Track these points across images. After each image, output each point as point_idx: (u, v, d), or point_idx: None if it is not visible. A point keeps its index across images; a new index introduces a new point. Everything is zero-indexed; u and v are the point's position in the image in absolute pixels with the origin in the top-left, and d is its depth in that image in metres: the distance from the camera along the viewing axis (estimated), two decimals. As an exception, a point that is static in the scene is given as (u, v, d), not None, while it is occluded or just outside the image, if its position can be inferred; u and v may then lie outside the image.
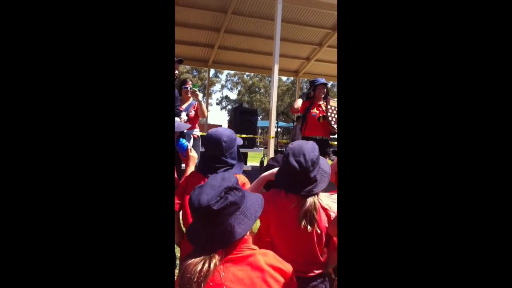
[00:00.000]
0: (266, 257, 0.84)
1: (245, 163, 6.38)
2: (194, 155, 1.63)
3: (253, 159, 9.38)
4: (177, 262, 2.11)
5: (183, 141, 1.71)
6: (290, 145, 1.29)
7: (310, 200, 1.18)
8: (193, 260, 0.79)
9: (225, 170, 1.44)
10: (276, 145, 6.45)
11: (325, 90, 3.68)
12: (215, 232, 0.82)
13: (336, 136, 4.22)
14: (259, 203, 0.92)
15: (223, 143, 1.45)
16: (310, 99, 3.72)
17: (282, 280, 0.82)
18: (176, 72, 2.76)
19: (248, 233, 0.86)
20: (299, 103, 3.69)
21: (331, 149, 4.13)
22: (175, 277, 0.88)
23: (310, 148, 1.24)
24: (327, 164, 1.32)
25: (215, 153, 1.47)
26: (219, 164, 1.46)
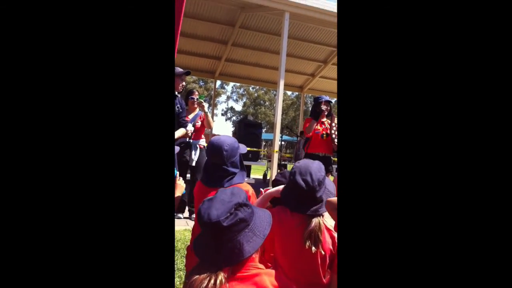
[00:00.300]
0: (272, 278, 0.83)
1: (248, 175, 6.38)
2: (181, 184, 1.58)
3: (257, 172, 9.35)
4: (177, 274, 2.10)
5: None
6: (296, 164, 1.30)
7: (315, 221, 1.18)
8: (198, 276, 0.79)
9: (227, 180, 1.43)
10: (279, 159, 6.46)
11: (329, 107, 3.72)
12: (223, 249, 0.81)
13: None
14: (267, 220, 0.92)
15: (224, 152, 1.43)
16: (317, 115, 3.74)
17: None
18: (183, 83, 2.81)
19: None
20: (311, 126, 3.63)
21: (334, 167, 4.14)
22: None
23: (316, 168, 1.25)
24: (332, 184, 1.32)
25: (217, 162, 1.45)
26: (220, 172, 1.43)
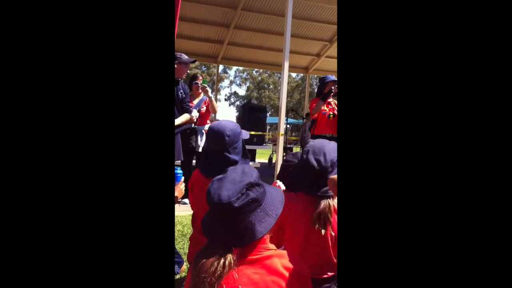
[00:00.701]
0: (283, 259, 0.81)
1: (253, 159, 6.37)
2: (182, 188, 1.50)
3: (262, 156, 9.37)
4: (184, 258, 2.11)
5: (179, 173, 1.58)
6: (311, 142, 1.24)
7: (324, 202, 1.15)
8: (208, 259, 0.76)
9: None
10: (285, 142, 6.42)
11: (335, 87, 3.63)
12: (234, 230, 0.78)
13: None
14: (279, 199, 0.87)
15: (226, 138, 1.33)
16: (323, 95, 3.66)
17: (297, 284, 0.79)
18: (188, 71, 2.75)
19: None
20: (317, 106, 3.51)
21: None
22: (185, 274, 0.86)
23: (331, 148, 1.20)
24: None
25: (217, 148, 1.35)
26: (221, 160, 1.34)
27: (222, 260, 0.75)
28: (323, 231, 1.11)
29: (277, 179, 1.54)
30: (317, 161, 1.15)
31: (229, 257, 0.76)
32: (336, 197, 1.18)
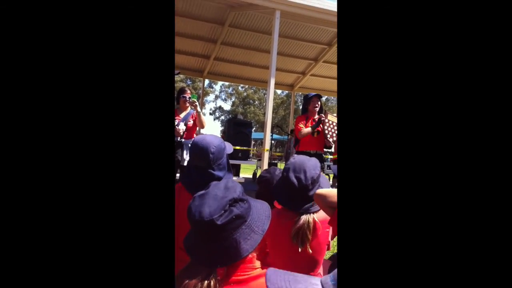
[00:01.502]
0: None
1: (238, 174, 6.33)
2: None
3: (246, 171, 9.33)
4: None
5: None
6: (291, 159, 1.24)
7: (304, 218, 1.14)
8: (191, 280, 0.72)
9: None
10: (270, 158, 6.43)
11: (319, 103, 3.70)
12: (218, 248, 0.74)
13: (331, 149, 4.23)
14: (266, 213, 0.84)
15: (211, 155, 1.29)
16: (305, 114, 3.74)
17: None
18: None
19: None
20: (305, 132, 3.57)
21: (325, 164, 4.14)
22: None
23: (312, 165, 1.21)
24: (327, 182, 1.29)
25: (202, 164, 1.32)
26: (205, 177, 1.29)
27: (205, 282, 0.71)
28: (300, 247, 1.11)
29: (256, 195, 1.54)
30: (298, 178, 1.16)
31: (213, 278, 0.72)
32: (318, 213, 1.18)
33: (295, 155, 1.36)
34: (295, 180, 1.16)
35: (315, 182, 1.18)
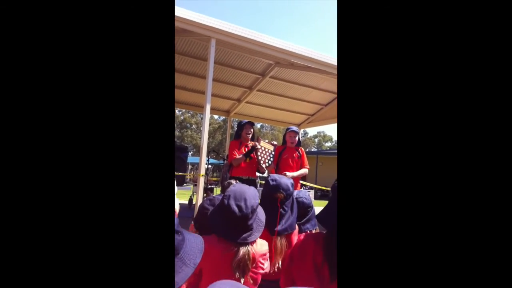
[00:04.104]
0: None
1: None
2: None
3: (182, 197, 9.03)
4: None
5: None
6: (231, 187, 1.26)
7: (243, 250, 1.15)
8: None
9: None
10: (206, 183, 6.34)
11: (252, 130, 3.85)
12: None
13: (263, 174, 4.36)
14: (199, 247, 0.86)
15: None
16: (238, 139, 3.83)
17: None
18: None
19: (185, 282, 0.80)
20: (239, 160, 3.68)
21: (259, 189, 4.23)
22: None
23: (252, 194, 1.22)
24: (262, 213, 1.32)
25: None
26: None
27: None
28: (242, 279, 1.11)
29: (193, 222, 1.51)
30: (238, 207, 1.16)
31: None
32: (255, 243, 1.19)
33: (234, 183, 1.37)
34: (236, 208, 1.15)
35: (254, 211, 1.19)
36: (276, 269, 1.30)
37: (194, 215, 1.74)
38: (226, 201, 1.18)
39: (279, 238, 1.31)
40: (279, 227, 1.31)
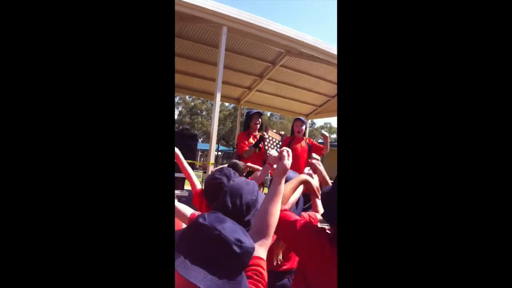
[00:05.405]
0: None
1: (182, 187, 6.18)
2: None
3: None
4: None
5: None
6: (231, 182, 1.26)
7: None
8: None
9: None
10: (214, 171, 6.38)
11: (260, 120, 3.84)
12: None
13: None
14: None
15: None
16: (247, 130, 3.83)
17: None
18: None
19: None
20: (249, 152, 3.68)
21: (267, 178, 4.25)
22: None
23: (249, 190, 1.21)
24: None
25: None
26: None
27: None
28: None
29: (204, 197, 1.51)
30: (233, 203, 1.17)
31: None
32: None
33: (235, 178, 1.37)
34: (229, 204, 1.16)
35: (250, 207, 1.18)
36: (277, 263, 1.31)
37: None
38: (222, 198, 1.19)
39: None
40: None
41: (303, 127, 3.99)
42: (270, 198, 1.06)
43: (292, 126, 4.06)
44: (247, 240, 0.73)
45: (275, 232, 1.05)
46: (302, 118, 4.10)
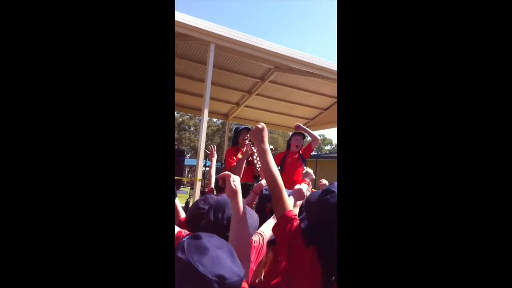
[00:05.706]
0: None
1: (178, 188, 6.10)
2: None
3: (179, 199, 9.02)
4: None
5: None
6: (219, 197, 1.30)
7: None
8: None
9: None
10: (203, 186, 6.33)
11: (248, 136, 3.85)
12: None
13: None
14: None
15: None
16: (236, 146, 3.84)
17: None
18: None
19: None
20: (239, 168, 3.69)
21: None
22: None
23: None
24: (255, 220, 1.32)
25: None
26: None
27: None
28: None
29: (187, 222, 1.51)
30: (215, 217, 1.20)
31: None
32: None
33: (223, 194, 1.37)
34: (212, 218, 1.20)
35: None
36: (258, 280, 1.30)
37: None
38: (208, 211, 1.23)
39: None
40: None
41: (302, 142, 3.97)
42: (234, 224, 1.06)
43: (290, 140, 4.03)
44: (232, 269, 0.68)
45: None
46: (304, 132, 4.06)
